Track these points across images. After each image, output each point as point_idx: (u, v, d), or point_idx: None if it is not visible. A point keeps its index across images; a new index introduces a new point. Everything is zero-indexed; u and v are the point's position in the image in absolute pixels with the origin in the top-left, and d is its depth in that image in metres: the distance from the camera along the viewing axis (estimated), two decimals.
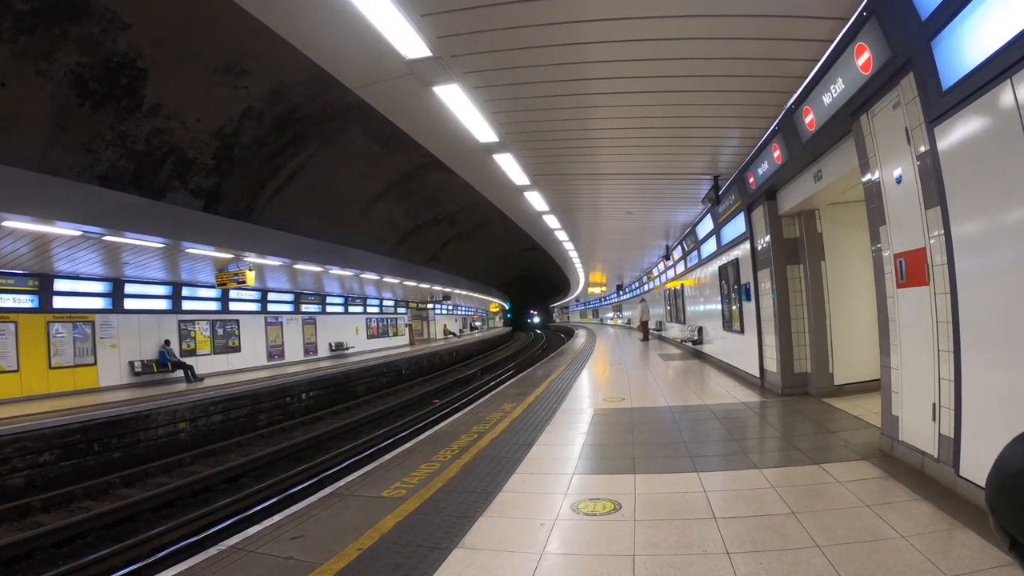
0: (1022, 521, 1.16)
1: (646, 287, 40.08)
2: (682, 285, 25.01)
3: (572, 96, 8.84)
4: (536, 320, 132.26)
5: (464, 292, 56.05)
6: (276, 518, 6.17)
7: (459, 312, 75.97)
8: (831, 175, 9.12)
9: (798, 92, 8.27)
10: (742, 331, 14.50)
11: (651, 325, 34.87)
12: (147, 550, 9.25)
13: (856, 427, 8.39)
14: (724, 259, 16.17)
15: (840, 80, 7.01)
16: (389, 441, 15.70)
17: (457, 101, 8.53)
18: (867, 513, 5.12)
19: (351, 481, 7.38)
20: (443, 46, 7.02)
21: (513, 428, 9.99)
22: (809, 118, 8.28)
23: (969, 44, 4.63)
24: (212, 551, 5.35)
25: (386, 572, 4.58)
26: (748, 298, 13.62)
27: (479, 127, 9.61)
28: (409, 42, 6.78)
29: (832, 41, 6.81)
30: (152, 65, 16.36)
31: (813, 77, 7.67)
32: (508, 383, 17.56)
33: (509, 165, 11.88)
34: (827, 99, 7.49)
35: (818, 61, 7.31)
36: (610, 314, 75.48)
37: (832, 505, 5.46)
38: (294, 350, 32.97)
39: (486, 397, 14.35)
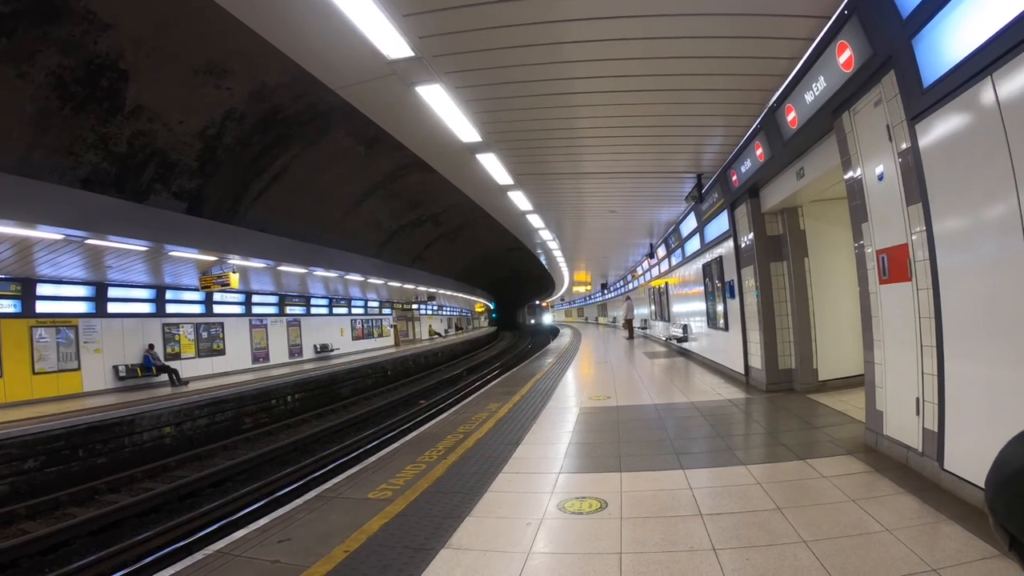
0: (1021, 519, 1.16)
1: (631, 285, 40.15)
2: (667, 283, 25.05)
3: (555, 95, 8.86)
4: (547, 320, 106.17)
5: (449, 292, 55.94)
6: (262, 521, 6.14)
7: (444, 312, 75.88)
8: (813, 172, 9.16)
9: (780, 90, 8.31)
10: (726, 328, 14.54)
11: (636, 323, 34.94)
12: (133, 556, 9.21)
13: (841, 422, 8.43)
14: (708, 257, 16.22)
15: (822, 78, 7.05)
16: (375, 443, 15.68)
17: (440, 101, 8.53)
18: (852, 507, 5.15)
19: (337, 483, 7.36)
20: (425, 46, 7.02)
21: (499, 427, 9.99)
22: (791, 116, 8.32)
23: (949, 42, 4.66)
24: (198, 556, 5.32)
25: (373, 574, 4.57)
26: (732, 295, 13.66)
27: (462, 127, 9.62)
28: (391, 42, 6.77)
29: (814, 39, 6.85)
30: (133, 66, 16.24)
31: (795, 75, 7.71)
32: (494, 383, 17.56)
33: (492, 165, 11.88)
34: (809, 97, 7.53)
35: (800, 59, 7.35)
36: (595, 314, 75.97)
37: (818, 500, 5.49)
38: (279, 352, 32.85)
39: (472, 397, 14.35)
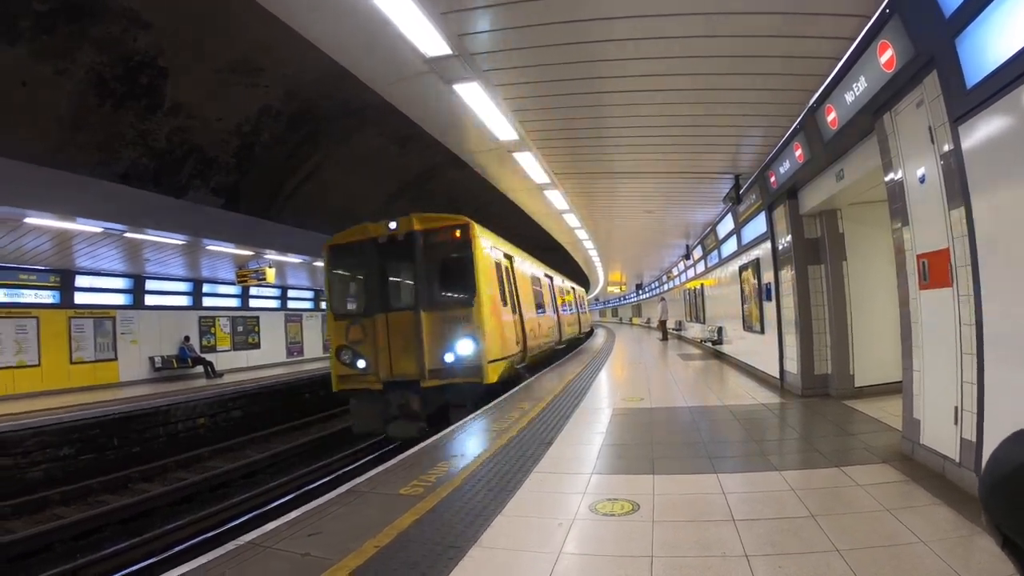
0: (1014, 519, 1.15)
1: (666, 286, 39.95)
2: (702, 285, 24.86)
3: (592, 94, 8.84)
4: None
5: None
6: (293, 514, 6.16)
7: None
8: (853, 174, 9.04)
9: (820, 90, 8.21)
10: (762, 331, 14.41)
11: (670, 324, 34.75)
12: (164, 544, 9.32)
13: (876, 430, 8.31)
14: (744, 259, 16.08)
15: (863, 78, 6.94)
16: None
17: (477, 99, 8.54)
18: (887, 517, 5.07)
19: (369, 478, 7.37)
20: (463, 44, 7.03)
21: (531, 427, 9.94)
22: (831, 116, 8.20)
23: (994, 41, 4.56)
24: (230, 546, 5.34)
25: (402, 570, 4.57)
26: (769, 298, 13.53)
27: (499, 125, 9.62)
28: (429, 40, 6.80)
29: (855, 39, 6.75)
30: (172, 64, 16.43)
31: (835, 75, 7.61)
32: (527, 381, 17.50)
33: (529, 163, 11.88)
34: (849, 97, 7.43)
35: (840, 59, 7.25)
36: (628, 315, 75.21)
37: (852, 508, 5.41)
38: (313, 347, 33.14)
39: (505, 395, 14.33)
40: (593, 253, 30.12)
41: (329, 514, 6.09)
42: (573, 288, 36.35)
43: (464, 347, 13.04)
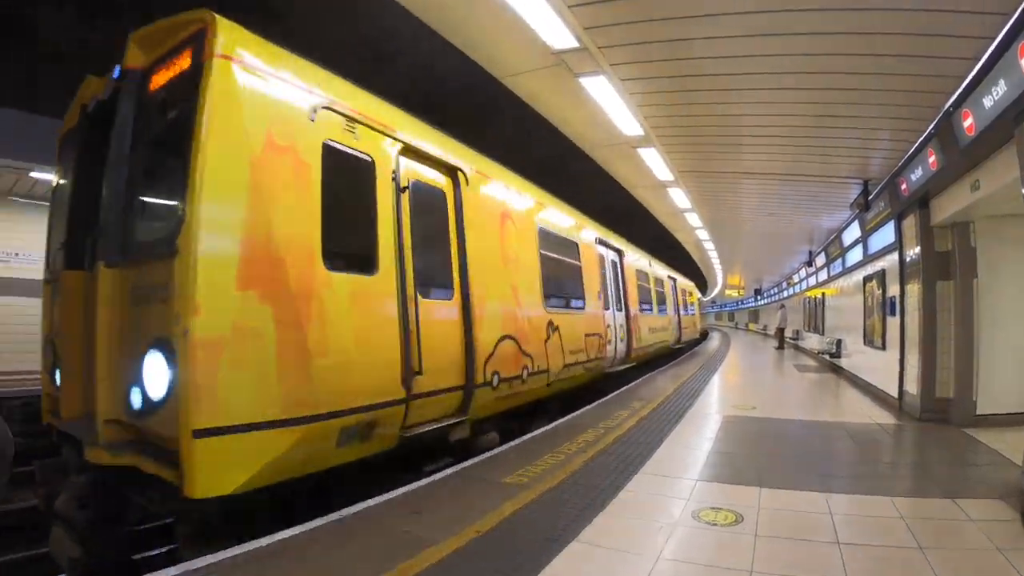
0: None
1: (785, 293, 39.01)
2: (823, 294, 24.16)
3: (719, 91, 8.78)
4: None
5: None
6: (398, 492, 6.33)
7: None
8: (990, 185, 8.58)
9: (956, 93, 7.79)
10: (883, 347, 13.89)
11: (788, 333, 33.91)
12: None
13: (996, 462, 7.89)
14: (869, 269, 15.54)
15: (1003, 81, 6.57)
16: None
17: (603, 93, 8.65)
18: (997, 557, 4.84)
19: (474, 464, 7.50)
20: (591, 37, 7.11)
21: (640, 427, 9.91)
22: (968, 122, 7.80)
23: None
24: (334, 516, 5.56)
25: (500, 558, 4.66)
26: (893, 313, 13.03)
27: (624, 120, 9.68)
28: (557, 33, 6.94)
29: (994, 38, 6.39)
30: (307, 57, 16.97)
31: (973, 78, 7.21)
32: (638, 381, 17.38)
33: (653, 160, 11.87)
34: (988, 102, 7.04)
35: (979, 60, 6.88)
36: (744, 320, 73.82)
37: (962, 544, 5.18)
38: None
39: (615, 393, 14.27)
40: (712, 254, 29.71)
41: (433, 496, 6.24)
42: (672, 278, 26.22)
43: (153, 376, 4.98)
